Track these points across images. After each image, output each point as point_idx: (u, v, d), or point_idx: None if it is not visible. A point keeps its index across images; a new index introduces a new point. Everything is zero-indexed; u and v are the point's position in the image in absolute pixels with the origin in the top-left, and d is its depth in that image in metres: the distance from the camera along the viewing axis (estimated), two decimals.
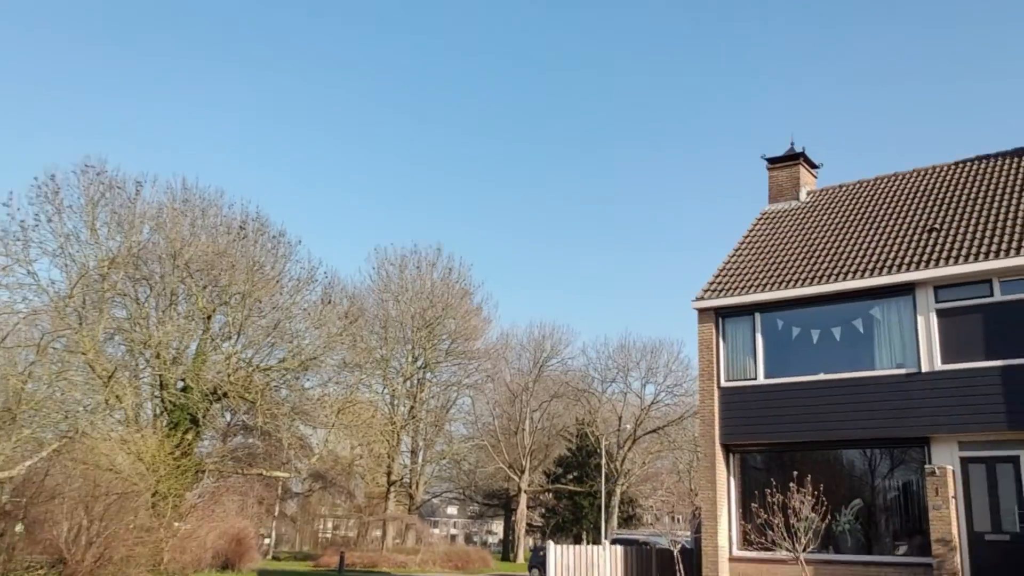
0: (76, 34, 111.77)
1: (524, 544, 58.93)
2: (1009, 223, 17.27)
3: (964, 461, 16.15)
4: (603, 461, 49.36)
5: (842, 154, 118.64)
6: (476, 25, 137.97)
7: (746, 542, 17.13)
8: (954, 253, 17.06)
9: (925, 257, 17.39)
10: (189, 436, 31.74)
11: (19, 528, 24.86)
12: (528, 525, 60.90)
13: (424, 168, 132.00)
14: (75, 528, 24.75)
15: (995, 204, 18.29)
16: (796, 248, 20.19)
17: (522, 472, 57.09)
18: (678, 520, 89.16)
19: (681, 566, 14.94)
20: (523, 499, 57.86)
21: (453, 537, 73.03)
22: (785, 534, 13.24)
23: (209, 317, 33.81)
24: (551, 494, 59.60)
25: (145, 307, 32.85)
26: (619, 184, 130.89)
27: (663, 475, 68.78)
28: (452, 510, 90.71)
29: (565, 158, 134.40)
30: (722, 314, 19.35)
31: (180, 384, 32.42)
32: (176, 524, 28.77)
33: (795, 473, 15.94)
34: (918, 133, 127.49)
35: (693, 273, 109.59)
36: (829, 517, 13.40)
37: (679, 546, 15.23)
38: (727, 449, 18.65)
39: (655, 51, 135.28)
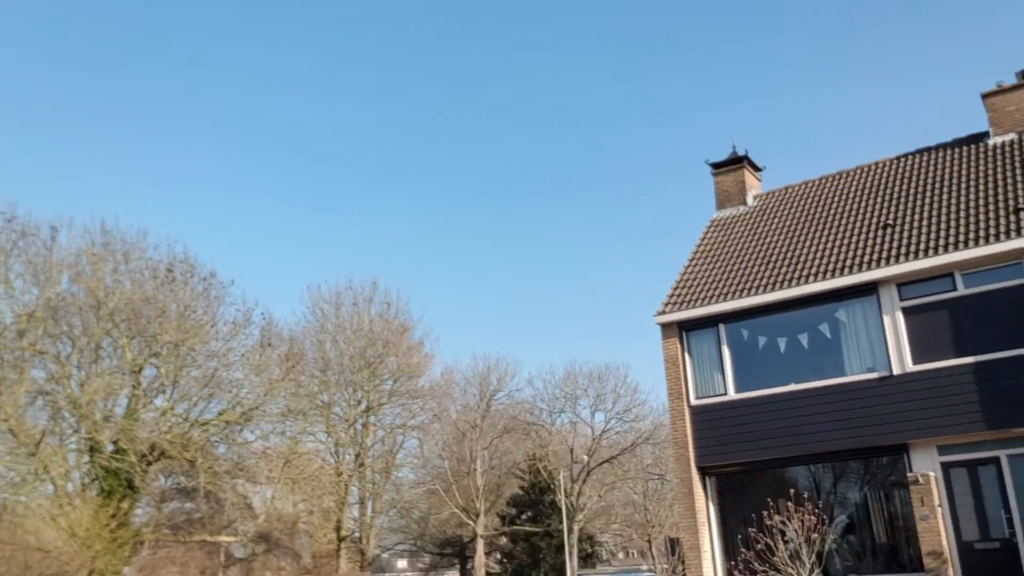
0: None
1: None
2: (963, 214, 17.09)
3: (945, 466, 15.69)
4: (562, 496, 48.23)
5: (779, 156, 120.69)
6: (401, 65, 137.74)
7: (732, 571, 16.28)
8: (912, 248, 16.77)
9: (884, 254, 17.07)
10: (125, 504, 29.65)
11: None
12: (485, 573, 59.13)
13: (355, 198, 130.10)
14: None
15: (946, 196, 18.13)
16: (751, 254, 19.72)
17: (477, 516, 55.54)
18: (632, 554, 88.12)
19: None
20: (480, 545, 56.19)
21: None
22: (787, 559, 12.43)
23: (139, 371, 31.88)
24: (507, 538, 58.02)
25: (67, 365, 30.83)
26: (556, 205, 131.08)
27: (616, 507, 68.01)
28: (402, 563, 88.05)
29: (497, 191, 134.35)
30: (685, 328, 18.71)
31: (111, 447, 30.40)
32: None
33: (778, 492, 15.25)
34: (850, 133, 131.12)
35: (639, 293, 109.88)
36: (816, 536, 12.61)
37: None
38: (703, 472, 17.86)
39: (573, 61, 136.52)
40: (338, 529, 49.69)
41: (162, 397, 32.71)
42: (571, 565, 48.42)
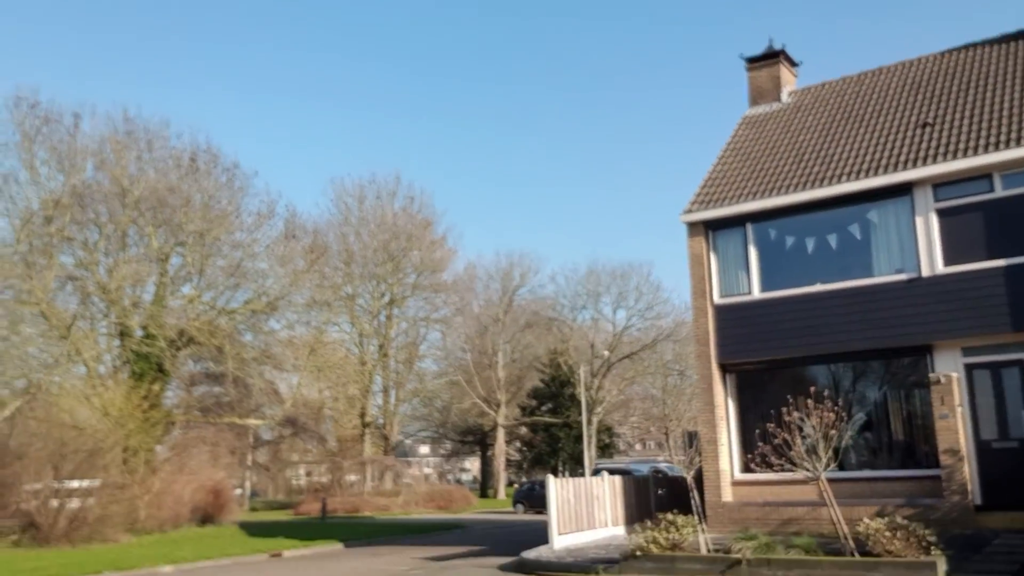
0: None
1: (503, 479, 58.96)
2: (1006, 113, 16.49)
3: (968, 368, 15.61)
4: (582, 390, 49.02)
5: (817, 52, 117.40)
6: None
7: (749, 464, 16.57)
8: (951, 148, 16.27)
9: (921, 154, 16.58)
10: (156, 386, 30.53)
11: None
12: (506, 460, 60.90)
13: (378, 92, 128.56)
14: (45, 490, 23.72)
15: (988, 94, 17.46)
16: (784, 153, 19.26)
17: (498, 406, 56.72)
18: (649, 446, 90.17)
19: (696, 493, 14.29)
20: (500, 434, 57.58)
21: (427, 476, 72.98)
22: (803, 454, 12.60)
23: (165, 259, 32.28)
24: (527, 427, 59.43)
25: (95, 252, 31.24)
26: (584, 102, 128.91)
27: (635, 401, 69.18)
28: (424, 449, 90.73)
29: (526, 77, 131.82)
30: (712, 227, 18.46)
31: (141, 332, 31.07)
32: (150, 480, 27.76)
33: (797, 390, 15.31)
34: (894, 28, 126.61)
35: (665, 192, 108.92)
36: (834, 433, 12.73)
37: (691, 472, 14.54)
38: (723, 369, 17.96)
39: None
40: (362, 415, 51.09)
41: (189, 285, 33.23)
42: (589, 454, 49.65)
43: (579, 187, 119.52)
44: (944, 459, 14.98)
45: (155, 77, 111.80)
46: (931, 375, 15.53)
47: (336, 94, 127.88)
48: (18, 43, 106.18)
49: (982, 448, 15.22)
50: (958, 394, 15.31)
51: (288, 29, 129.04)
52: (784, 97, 21.85)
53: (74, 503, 23.97)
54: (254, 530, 28.73)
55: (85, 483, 24.65)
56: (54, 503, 23.61)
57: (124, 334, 31.14)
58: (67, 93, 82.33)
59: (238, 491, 46.79)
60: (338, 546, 23.23)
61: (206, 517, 30.48)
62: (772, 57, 22.11)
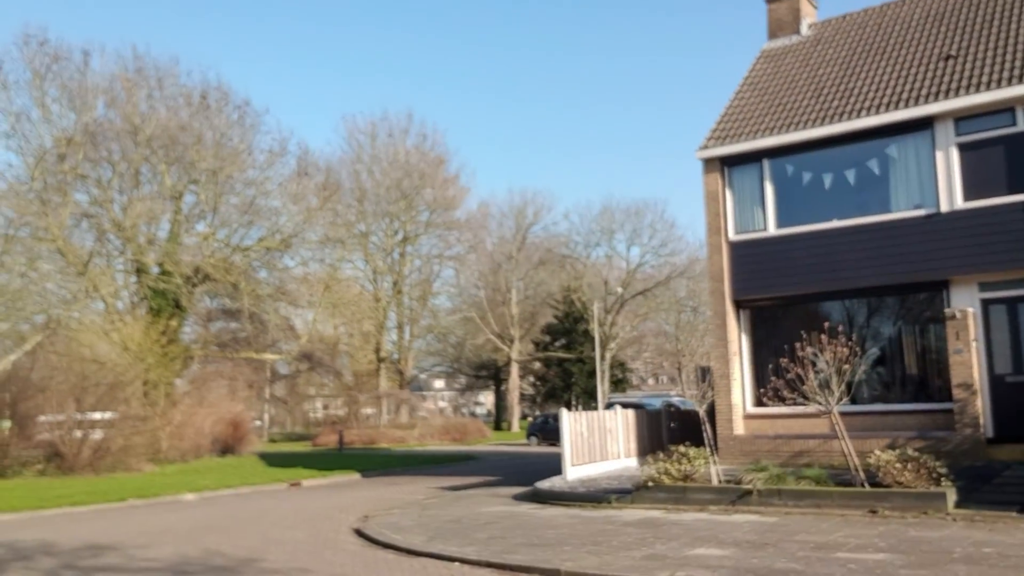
0: None
1: (517, 413, 59.76)
2: None
3: (985, 303, 15.57)
4: (595, 326, 49.27)
5: None
6: None
7: (761, 398, 16.73)
8: (974, 81, 15.96)
9: (943, 88, 16.29)
10: (173, 322, 30.94)
11: (6, 424, 24.30)
12: (520, 394, 61.61)
13: (386, 30, 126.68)
14: (67, 421, 24.26)
15: (1013, 27, 17.03)
16: (802, 87, 18.95)
17: (511, 342, 57.15)
18: (662, 380, 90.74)
19: (708, 426, 14.46)
20: (514, 369, 58.14)
21: (441, 410, 74.00)
22: (816, 388, 12.69)
23: (179, 197, 32.40)
24: (540, 362, 59.95)
25: (109, 189, 31.37)
26: (598, 37, 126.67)
27: (648, 337, 69.50)
28: (439, 383, 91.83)
29: (538, 12, 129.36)
30: (728, 163, 18.30)
31: (157, 269, 31.34)
32: (171, 412, 28.35)
33: (811, 325, 15.35)
34: None
35: (679, 128, 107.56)
36: (847, 368, 12.80)
37: (704, 406, 14.69)
38: (738, 305, 17.99)
39: None
40: (377, 351, 51.66)
41: (203, 223, 33.41)
42: (602, 389, 50.19)
43: (594, 125, 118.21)
44: (957, 393, 15.05)
45: (164, 15, 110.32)
46: (947, 310, 15.50)
47: (347, 29, 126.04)
48: None
49: (995, 382, 15.27)
50: (973, 329, 15.28)
51: None
52: (804, 30, 21.40)
53: (97, 434, 24.54)
54: (273, 460, 29.37)
55: (107, 415, 25.19)
56: (77, 434, 24.17)
57: (140, 271, 31.43)
58: (75, 31, 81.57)
59: (257, 423, 47.74)
60: (355, 476, 23.75)
61: (226, 448, 31.16)
62: None
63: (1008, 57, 16.13)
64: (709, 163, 18.42)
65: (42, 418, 24.95)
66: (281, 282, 37.62)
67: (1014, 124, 15.46)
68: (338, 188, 43.12)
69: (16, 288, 27.96)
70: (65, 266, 29.89)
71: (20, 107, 29.19)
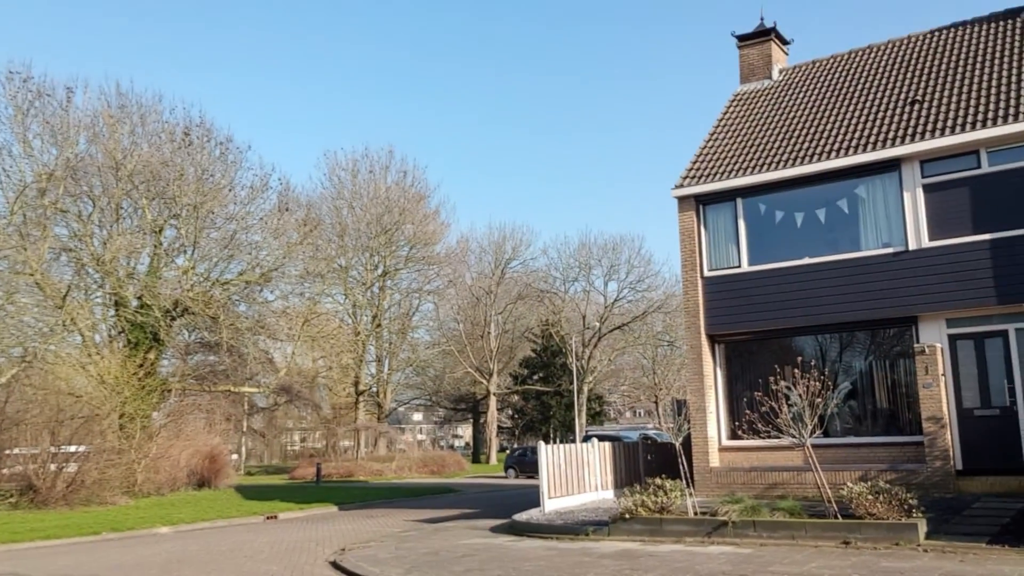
0: None
1: (495, 445, 59.69)
2: (994, 91, 16.74)
3: (952, 338, 15.99)
4: (573, 359, 49.51)
5: (809, 31, 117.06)
6: None
7: (736, 430, 16.99)
8: (939, 125, 16.53)
9: (909, 131, 16.85)
10: (151, 355, 30.84)
11: None
12: (498, 427, 61.59)
13: (371, 57, 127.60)
14: (42, 454, 24.06)
15: (977, 72, 17.71)
16: (774, 129, 19.51)
17: (490, 375, 57.25)
18: (639, 414, 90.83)
19: (684, 459, 14.68)
20: (493, 401, 58.21)
21: (420, 443, 73.68)
22: (790, 421, 12.97)
23: (159, 231, 32.48)
24: (519, 395, 60.02)
25: (89, 224, 31.39)
26: (578, 76, 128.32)
27: (625, 371, 69.80)
28: (418, 416, 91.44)
29: (520, 49, 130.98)
30: (703, 201, 18.75)
31: (136, 302, 31.28)
32: (147, 445, 28.15)
33: (784, 359, 15.67)
34: (884, 4, 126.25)
35: (655, 166, 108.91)
36: (820, 401, 13.10)
37: (680, 439, 14.92)
38: (712, 340, 18.33)
39: None
40: (356, 384, 51.54)
41: (183, 257, 33.45)
42: (580, 422, 50.29)
43: (573, 163, 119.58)
44: (927, 426, 15.38)
45: (148, 56, 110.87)
46: (916, 345, 15.90)
47: (328, 71, 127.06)
48: (12, 19, 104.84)
49: (964, 416, 15.63)
50: (942, 364, 15.71)
51: (281, 9, 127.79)
52: (775, 75, 22.05)
53: (71, 468, 24.34)
54: (250, 493, 29.18)
55: (82, 448, 25.01)
56: (52, 467, 23.96)
57: (119, 304, 31.36)
58: (60, 69, 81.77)
59: (234, 456, 47.32)
60: (333, 508, 23.68)
61: (202, 481, 30.94)
62: (763, 35, 22.29)
63: (972, 101, 16.73)
64: (684, 201, 18.85)
65: (16, 451, 24.74)
66: (260, 316, 37.60)
67: (978, 166, 16.00)
68: (319, 223, 43.30)
69: None
70: (43, 299, 29.77)
71: (1, 142, 29.33)
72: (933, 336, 16.04)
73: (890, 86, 18.92)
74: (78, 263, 31.64)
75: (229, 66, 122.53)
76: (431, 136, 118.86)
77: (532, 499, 17.64)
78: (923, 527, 11.45)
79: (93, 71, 76.99)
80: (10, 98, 29.34)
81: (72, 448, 24.85)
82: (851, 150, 17.19)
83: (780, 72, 22.23)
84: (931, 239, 16.15)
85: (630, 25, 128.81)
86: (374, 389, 54.76)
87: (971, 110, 16.46)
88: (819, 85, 20.56)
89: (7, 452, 24.89)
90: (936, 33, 20.20)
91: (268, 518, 21.50)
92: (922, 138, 16.42)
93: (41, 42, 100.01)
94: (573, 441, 30.80)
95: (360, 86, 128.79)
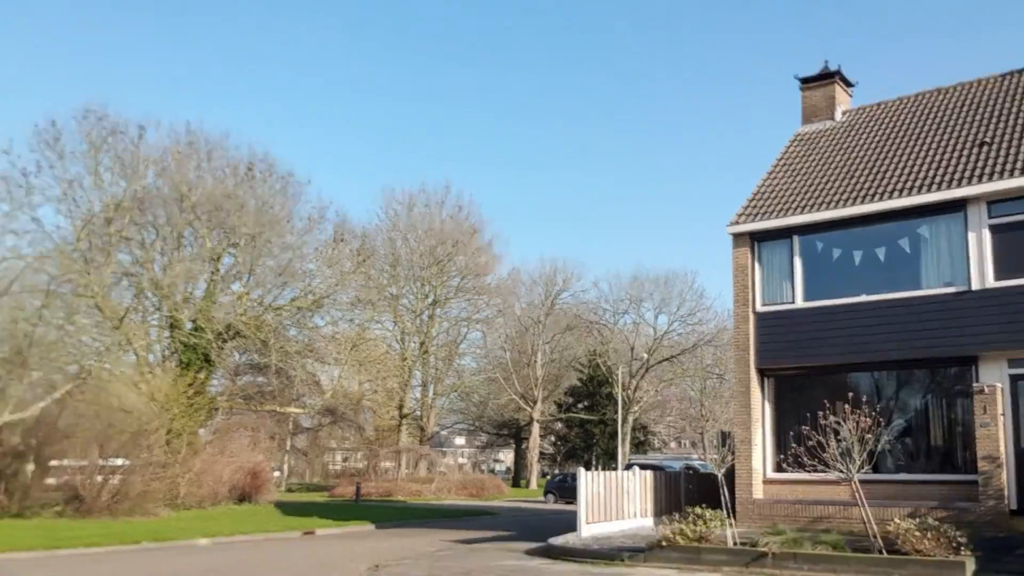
0: None
1: (536, 471, 59.36)
2: None
3: (1013, 379, 15.55)
4: (619, 389, 49.06)
5: (875, 74, 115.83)
6: None
7: (782, 463, 16.60)
8: (1008, 167, 16.22)
9: (977, 172, 16.53)
10: (201, 375, 31.39)
11: (30, 467, 24.61)
12: (539, 453, 61.22)
13: (429, 105, 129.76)
14: (90, 465, 24.51)
15: None
16: (834, 168, 19.28)
17: (534, 403, 57.02)
18: (684, 444, 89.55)
19: (725, 490, 14.35)
20: (535, 428, 57.92)
21: (461, 466, 73.55)
22: (837, 455, 12.61)
23: (217, 259, 33.24)
24: (562, 423, 59.61)
25: (151, 251, 32.26)
26: (632, 112, 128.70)
27: (672, 402, 68.90)
28: (460, 440, 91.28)
29: (575, 89, 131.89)
30: (758, 238, 18.57)
31: (190, 325, 31.93)
32: (192, 460, 28.51)
33: (834, 395, 15.27)
34: (953, 49, 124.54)
35: (710, 203, 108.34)
36: (870, 437, 12.72)
37: (722, 470, 14.62)
38: (762, 373, 18.09)
39: None
40: (400, 407, 51.71)
41: (239, 283, 34.18)
42: (623, 450, 49.78)
43: (626, 198, 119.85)
44: (983, 465, 14.90)
45: (217, 93, 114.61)
46: (975, 384, 15.47)
47: (388, 106, 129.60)
48: (93, 63, 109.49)
49: (1021, 455, 15.16)
50: (1001, 403, 15.22)
51: (355, 64, 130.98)
52: (838, 116, 21.86)
53: (117, 479, 24.74)
54: (289, 509, 29.31)
55: (129, 462, 25.41)
56: (98, 478, 24.37)
57: (174, 326, 32.00)
58: (134, 109, 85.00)
59: (276, 473, 47.67)
60: (369, 527, 23.62)
61: (243, 496, 31.21)
62: (827, 78, 22.16)
63: None
64: (739, 238, 18.70)
65: (65, 462, 25.21)
66: (310, 340, 38.04)
67: None
68: (372, 253, 43.80)
69: (52, 340, 28.56)
70: (101, 320, 30.52)
71: (74, 175, 30.29)
72: (993, 376, 15.60)
73: (957, 128, 18.62)
74: (138, 287, 32.47)
75: (295, 106, 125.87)
76: (487, 178, 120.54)
77: (570, 524, 17.40)
78: (971, 565, 11.04)
79: (165, 114, 79.93)
80: (85, 134, 30.49)
81: (119, 461, 25.26)
82: (915, 190, 16.93)
83: (843, 113, 22.02)
84: (996, 279, 15.78)
85: (698, 84, 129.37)
86: (418, 413, 54.84)
87: None
88: (883, 126, 20.32)
89: (56, 463, 25.41)
90: (1008, 76, 19.89)
91: (305, 533, 21.53)
92: (990, 179, 16.12)
93: (116, 88, 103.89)
94: (615, 469, 30.39)
95: (419, 124, 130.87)
